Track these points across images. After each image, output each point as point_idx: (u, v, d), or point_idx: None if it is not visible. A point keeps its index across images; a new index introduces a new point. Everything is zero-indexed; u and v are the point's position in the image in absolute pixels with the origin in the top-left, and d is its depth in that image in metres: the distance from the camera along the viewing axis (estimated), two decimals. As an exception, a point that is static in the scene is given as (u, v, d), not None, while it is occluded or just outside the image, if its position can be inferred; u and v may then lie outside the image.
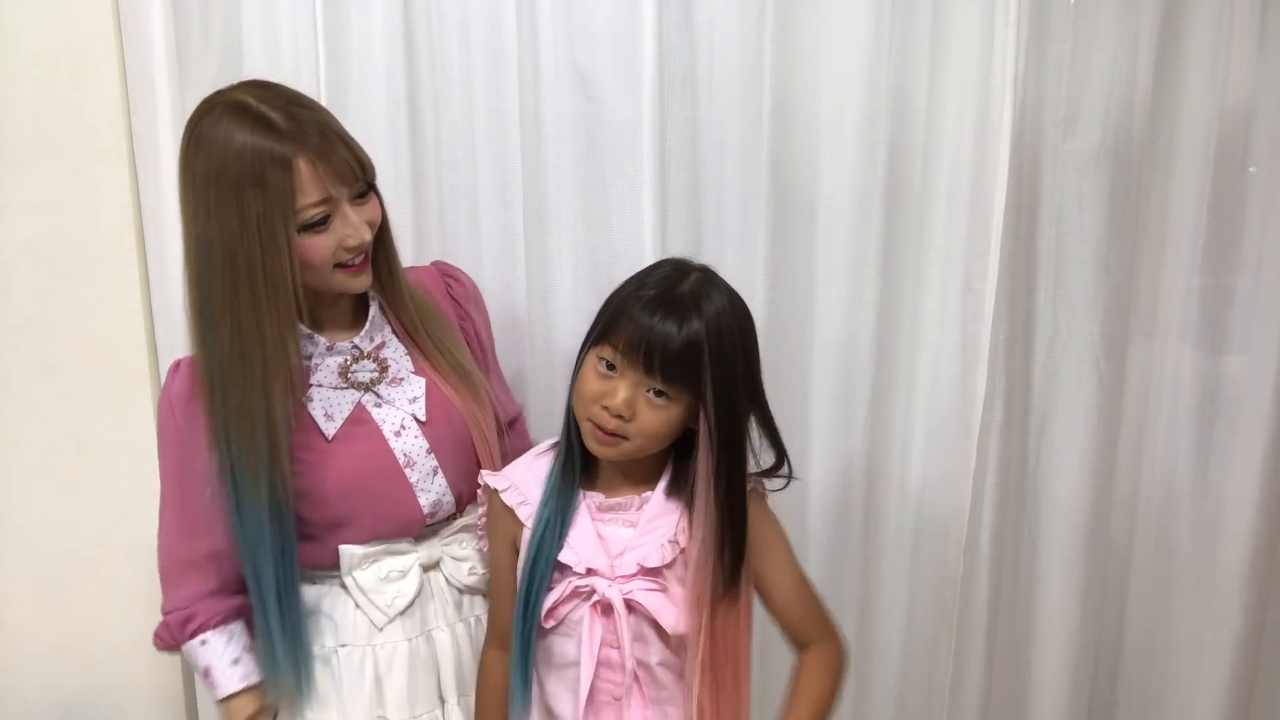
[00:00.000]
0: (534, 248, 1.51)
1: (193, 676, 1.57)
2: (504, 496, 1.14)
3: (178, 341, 1.44)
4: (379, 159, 1.45)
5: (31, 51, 1.42)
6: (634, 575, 1.06)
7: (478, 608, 1.24)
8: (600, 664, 1.07)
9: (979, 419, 1.54)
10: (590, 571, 1.07)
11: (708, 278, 1.07)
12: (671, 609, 1.05)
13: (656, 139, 1.46)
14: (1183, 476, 1.65)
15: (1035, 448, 1.64)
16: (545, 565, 1.08)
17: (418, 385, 1.20)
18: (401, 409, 1.19)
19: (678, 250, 1.51)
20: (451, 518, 1.24)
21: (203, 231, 1.03)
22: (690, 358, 0.99)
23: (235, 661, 1.16)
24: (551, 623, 1.08)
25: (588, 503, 1.11)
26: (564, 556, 1.08)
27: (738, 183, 1.52)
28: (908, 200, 1.55)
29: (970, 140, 1.50)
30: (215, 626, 1.15)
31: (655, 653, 1.08)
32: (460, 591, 1.23)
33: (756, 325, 1.10)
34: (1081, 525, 1.62)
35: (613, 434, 1.03)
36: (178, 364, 1.16)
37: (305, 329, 1.13)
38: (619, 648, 1.06)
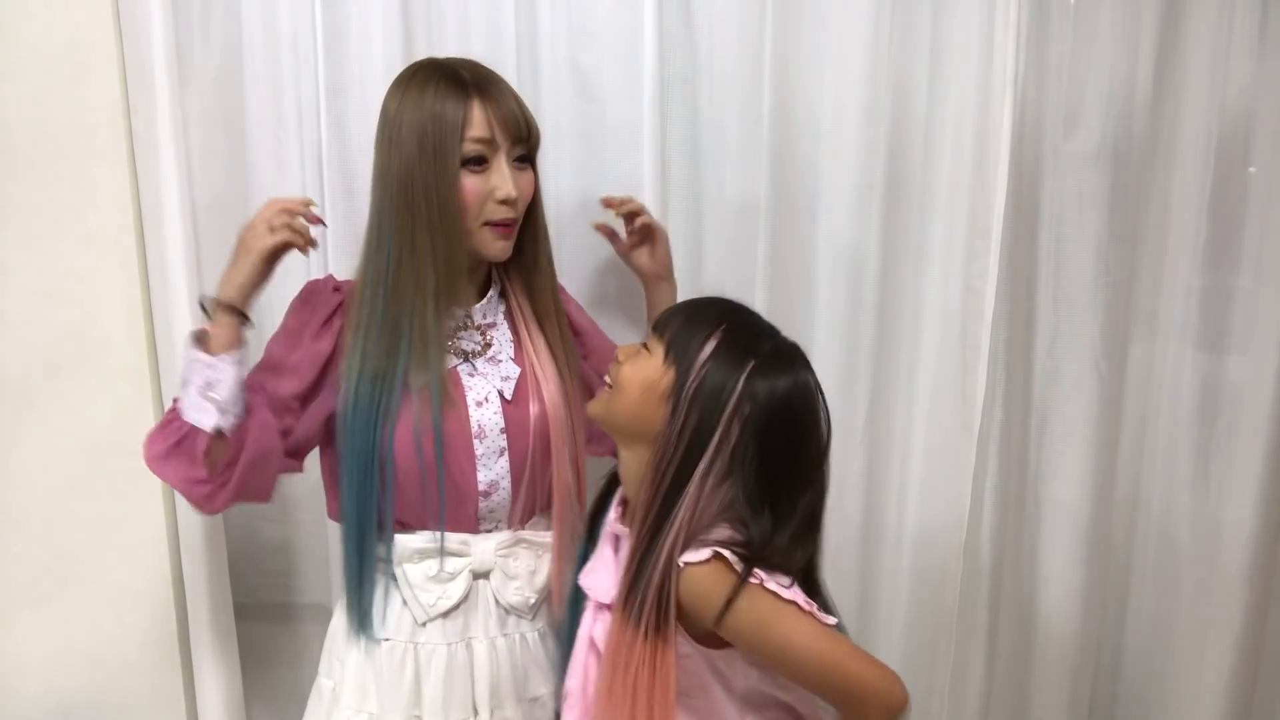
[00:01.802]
0: (534, 248, 1.51)
1: (193, 677, 1.57)
2: None
3: (178, 341, 1.44)
4: (379, 159, 1.46)
5: (31, 51, 1.42)
6: (606, 606, 1.05)
7: (523, 627, 1.23)
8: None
9: (979, 419, 1.54)
10: (588, 593, 1.09)
11: (796, 349, 1.03)
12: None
13: (656, 139, 1.46)
14: (1183, 477, 1.65)
15: (1035, 448, 1.64)
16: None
17: (513, 369, 1.22)
18: (492, 383, 1.20)
19: (678, 248, 1.51)
20: (513, 526, 1.23)
21: (386, 161, 1.13)
22: (692, 329, 0.99)
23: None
24: None
25: (612, 518, 1.10)
26: (589, 561, 1.11)
27: (738, 182, 1.52)
28: (908, 200, 1.55)
29: (970, 140, 1.50)
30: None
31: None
32: (506, 611, 1.22)
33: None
34: (1081, 525, 1.62)
35: (606, 384, 1.05)
36: (315, 280, 1.24)
37: None
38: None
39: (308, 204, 1.14)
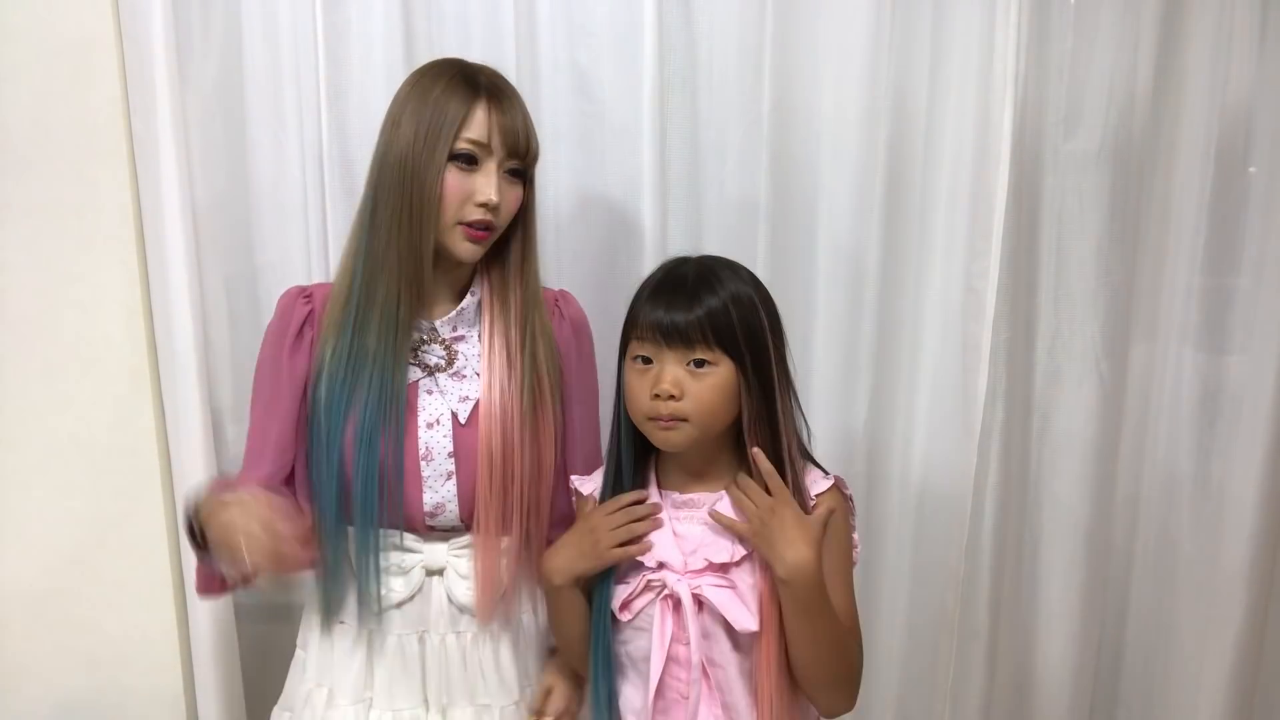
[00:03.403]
0: (534, 248, 1.51)
1: (193, 677, 1.57)
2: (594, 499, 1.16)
3: (178, 342, 1.45)
4: (379, 159, 1.46)
5: (31, 51, 1.42)
6: (703, 570, 1.06)
7: (475, 625, 1.22)
8: (670, 660, 1.07)
9: (979, 419, 1.54)
10: (661, 565, 1.08)
11: (709, 257, 1.11)
12: (739, 607, 1.05)
13: (656, 139, 1.46)
14: (1184, 476, 1.65)
15: (1036, 448, 1.64)
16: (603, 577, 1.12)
17: (474, 387, 1.19)
18: (448, 402, 1.18)
19: (678, 249, 1.51)
20: (469, 529, 1.21)
21: (387, 142, 1.15)
22: (711, 311, 1.02)
23: None
24: (627, 615, 1.09)
25: (665, 501, 1.11)
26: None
27: (737, 183, 1.52)
28: (908, 200, 1.55)
29: (970, 140, 1.50)
30: None
31: (723, 651, 1.07)
32: (459, 609, 1.21)
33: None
34: (1082, 525, 1.62)
35: (671, 420, 1.04)
36: (286, 293, 1.23)
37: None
38: (687, 643, 1.06)
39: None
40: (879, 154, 1.51)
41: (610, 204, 1.50)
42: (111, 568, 1.55)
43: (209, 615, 1.51)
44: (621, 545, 1.08)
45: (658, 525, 1.10)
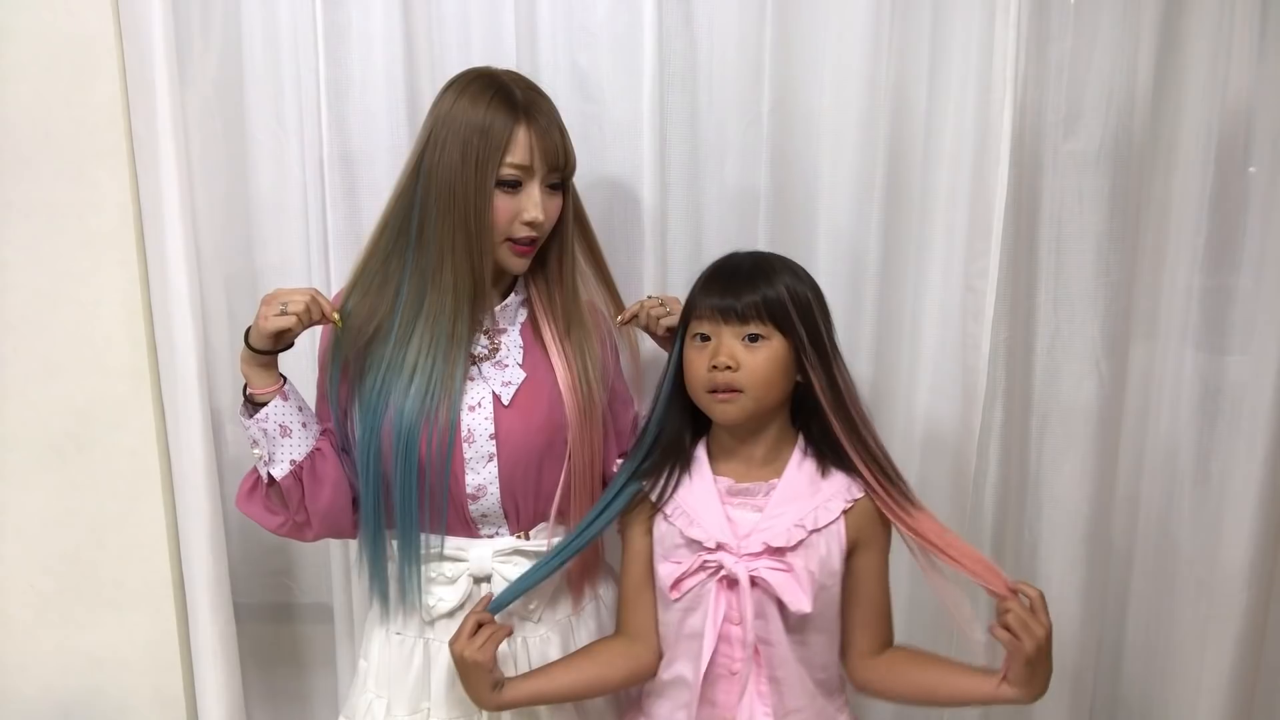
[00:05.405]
0: (534, 248, 1.51)
1: (193, 677, 1.57)
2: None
3: (178, 341, 1.45)
4: (379, 159, 1.46)
5: (31, 51, 1.42)
6: (760, 554, 1.11)
7: (525, 630, 1.25)
8: (720, 639, 1.12)
9: (979, 419, 1.54)
10: (719, 547, 1.12)
11: (764, 251, 1.19)
12: (795, 588, 1.09)
13: (656, 139, 1.46)
14: (1184, 477, 1.65)
15: (1035, 448, 1.64)
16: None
17: (516, 375, 1.22)
18: (491, 385, 1.21)
19: (677, 250, 1.52)
20: (510, 523, 1.24)
21: (431, 158, 1.15)
22: (765, 293, 1.10)
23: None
24: (676, 595, 1.14)
25: (718, 485, 1.16)
26: (693, 533, 1.14)
27: (737, 183, 1.52)
28: (908, 200, 1.55)
29: (970, 140, 1.50)
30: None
31: (776, 630, 1.12)
32: (507, 614, 1.23)
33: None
34: (1082, 525, 1.62)
35: (728, 391, 1.10)
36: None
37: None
38: (740, 623, 1.11)
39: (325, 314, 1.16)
40: (878, 154, 1.51)
41: (611, 203, 1.50)
42: (111, 568, 1.56)
43: (209, 615, 1.52)
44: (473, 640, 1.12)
45: (506, 631, 1.16)
